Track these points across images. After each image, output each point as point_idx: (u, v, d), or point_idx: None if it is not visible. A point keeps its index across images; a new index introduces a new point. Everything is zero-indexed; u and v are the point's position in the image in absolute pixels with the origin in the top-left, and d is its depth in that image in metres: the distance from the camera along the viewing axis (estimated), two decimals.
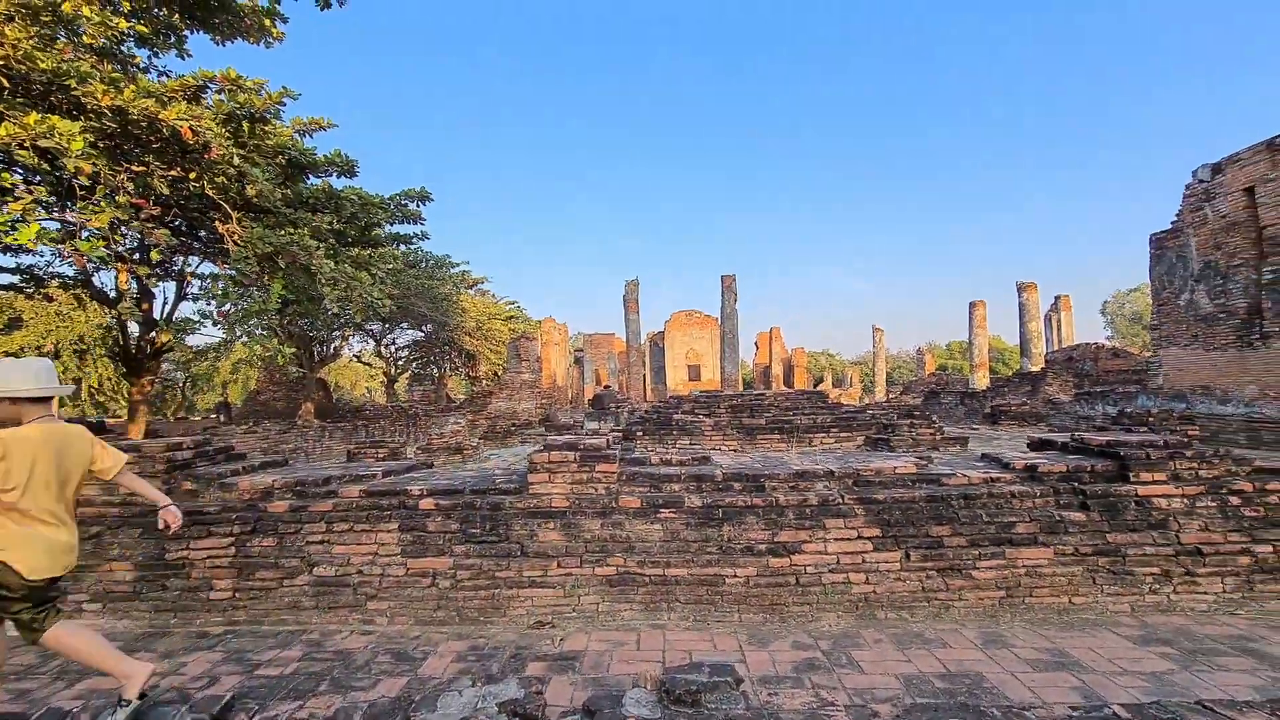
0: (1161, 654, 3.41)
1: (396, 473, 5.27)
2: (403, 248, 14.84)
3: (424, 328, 24.11)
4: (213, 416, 26.10)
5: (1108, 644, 3.55)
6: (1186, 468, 4.35)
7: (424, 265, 21.70)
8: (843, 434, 9.06)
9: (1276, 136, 9.07)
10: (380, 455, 7.64)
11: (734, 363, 23.56)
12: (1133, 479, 4.31)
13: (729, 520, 4.24)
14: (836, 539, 4.15)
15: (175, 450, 4.51)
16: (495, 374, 24.51)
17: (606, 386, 31.83)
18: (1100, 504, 4.24)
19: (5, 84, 6.52)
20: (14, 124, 6.00)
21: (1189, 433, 8.02)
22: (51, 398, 2.66)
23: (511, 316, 29.05)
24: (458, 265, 24.34)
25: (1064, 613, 3.99)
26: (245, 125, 8.12)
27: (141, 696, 2.51)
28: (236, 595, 4.10)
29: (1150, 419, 8.41)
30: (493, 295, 29.65)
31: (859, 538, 4.15)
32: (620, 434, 8.95)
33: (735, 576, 4.08)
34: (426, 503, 4.30)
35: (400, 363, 29.12)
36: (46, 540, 2.47)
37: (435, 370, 29.50)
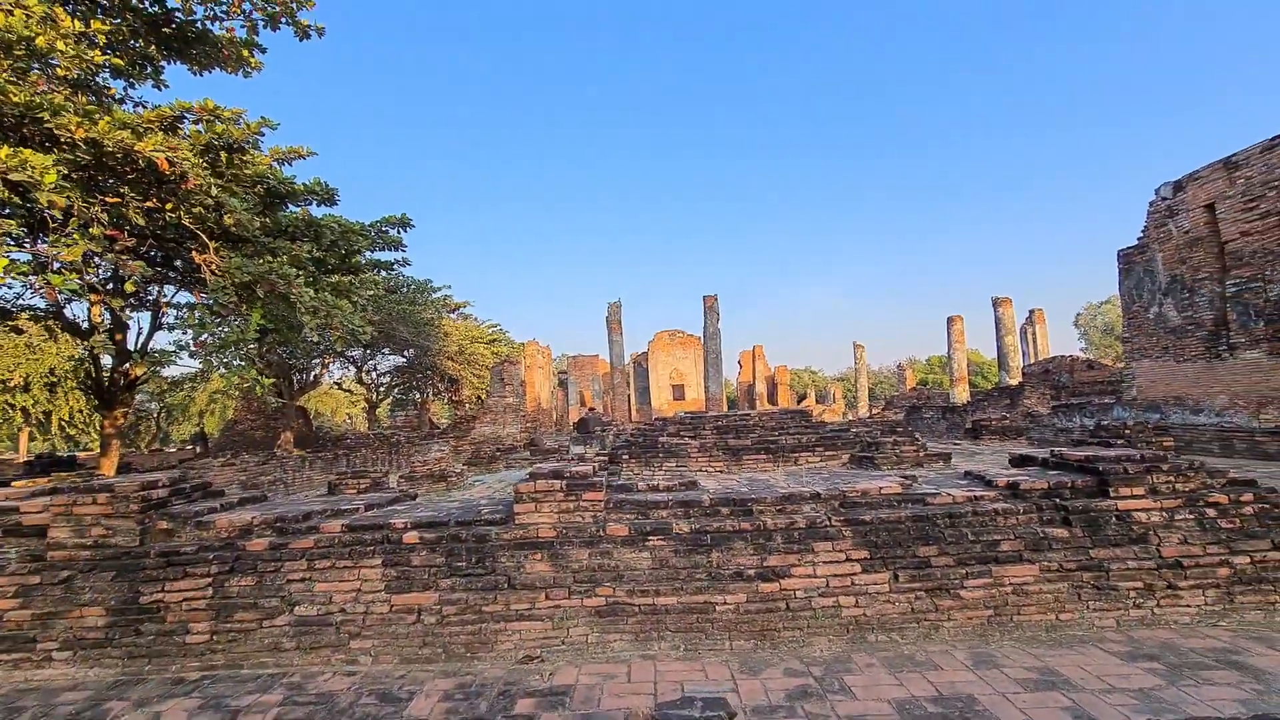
0: (1149, 669, 3.43)
1: (379, 505, 5.19)
2: (384, 274, 14.75)
3: (406, 353, 23.89)
4: (189, 447, 25.54)
5: (1096, 661, 3.58)
6: (1164, 481, 4.43)
7: (405, 290, 21.59)
8: (828, 453, 9.09)
9: (1232, 155, 9.42)
10: (362, 486, 7.49)
11: (718, 382, 23.63)
12: (1112, 494, 4.38)
13: (717, 546, 4.22)
14: (825, 562, 4.15)
15: (150, 489, 4.39)
16: (479, 398, 24.30)
17: (591, 409, 31.72)
18: (1082, 520, 4.30)
19: None
20: None
21: (1164, 444, 8.16)
22: None
23: (494, 340, 28.92)
24: (439, 290, 24.23)
25: (1052, 630, 4.02)
26: (223, 155, 8.06)
27: None
28: (214, 638, 3.98)
29: (1126, 431, 8.55)
30: (475, 319, 29.51)
31: (847, 560, 4.16)
32: (606, 458, 8.90)
33: (725, 603, 4.06)
34: (410, 536, 4.24)
35: (382, 389, 28.77)
36: None
37: (418, 395, 29.17)
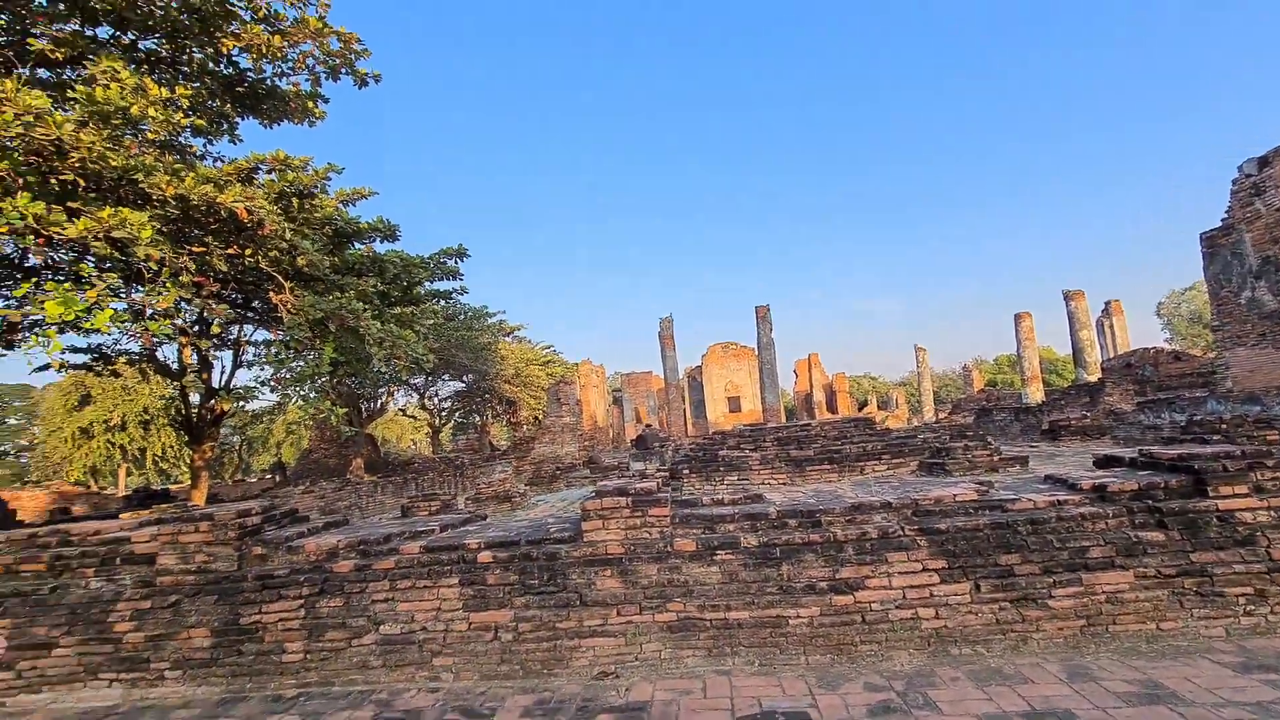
0: (1266, 681, 3.19)
1: (453, 526, 5.36)
2: (442, 302, 15.31)
3: (465, 378, 24.61)
4: (268, 476, 26.96)
5: (1205, 673, 3.35)
6: (1270, 478, 4.12)
7: (463, 317, 22.31)
8: (895, 460, 8.84)
9: None
10: (433, 508, 7.77)
11: (774, 393, 23.32)
12: (1211, 493, 4.11)
13: (787, 559, 4.17)
14: (901, 573, 4.04)
15: (245, 517, 4.69)
16: (536, 419, 24.75)
17: (648, 425, 31.79)
18: (1179, 522, 4.04)
19: (81, 182, 7.09)
20: (90, 218, 6.50)
21: (1268, 438, 7.56)
22: None
23: (549, 361, 29.45)
24: (494, 315, 24.93)
25: (1152, 640, 3.78)
26: (295, 201, 8.61)
27: None
28: (308, 657, 4.19)
29: (1223, 425, 7.95)
30: (529, 342, 30.18)
31: (924, 570, 4.04)
32: (667, 473, 8.91)
33: (798, 617, 4.00)
34: (484, 556, 4.36)
35: (444, 414, 29.69)
36: None
37: (478, 419, 29.95)
